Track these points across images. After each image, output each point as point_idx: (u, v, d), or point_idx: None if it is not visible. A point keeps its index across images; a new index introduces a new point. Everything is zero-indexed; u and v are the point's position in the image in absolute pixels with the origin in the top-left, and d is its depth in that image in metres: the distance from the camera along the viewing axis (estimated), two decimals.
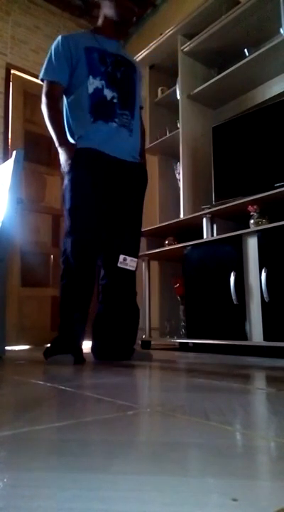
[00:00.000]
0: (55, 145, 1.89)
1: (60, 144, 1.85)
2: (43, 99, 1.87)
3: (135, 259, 1.92)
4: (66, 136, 1.87)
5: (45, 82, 1.89)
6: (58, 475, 0.45)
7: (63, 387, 1.09)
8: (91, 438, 0.62)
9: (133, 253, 1.93)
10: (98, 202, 1.83)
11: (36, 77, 3.54)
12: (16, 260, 3.22)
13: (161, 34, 3.09)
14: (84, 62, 1.84)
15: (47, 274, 3.51)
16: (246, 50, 2.67)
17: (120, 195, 1.90)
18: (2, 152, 3.27)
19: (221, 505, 0.37)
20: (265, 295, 2.08)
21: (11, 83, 3.42)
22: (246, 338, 2.17)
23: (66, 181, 1.88)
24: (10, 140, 3.35)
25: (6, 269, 2.08)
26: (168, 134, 3.10)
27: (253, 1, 2.49)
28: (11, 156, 2.20)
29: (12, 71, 3.43)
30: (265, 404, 0.93)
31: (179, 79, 2.97)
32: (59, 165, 1.95)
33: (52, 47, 1.88)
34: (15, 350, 2.80)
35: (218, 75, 2.83)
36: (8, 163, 2.18)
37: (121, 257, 1.88)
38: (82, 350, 1.85)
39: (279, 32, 2.45)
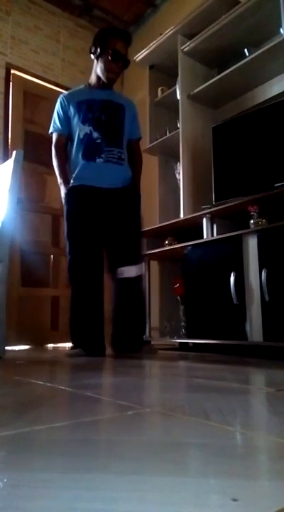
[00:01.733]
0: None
1: (60, 184, 2.30)
2: (52, 149, 2.33)
3: (133, 267, 2.20)
4: (65, 176, 2.29)
5: (53, 134, 2.33)
6: (58, 475, 0.45)
7: (63, 387, 1.09)
8: (92, 438, 0.61)
9: (133, 261, 2.22)
10: (86, 226, 2.20)
11: (36, 77, 3.56)
12: (16, 260, 3.22)
13: (161, 34, 3.09)
14: (76, 114, 2.26)
15: (47, 273, 3.51)
16: (246, 50, 2.67)
17: (109, 216, 2.23)
18: (2, 152, 3.27)
19: (221, 506, 0.37)
20: (265, 295, 2.08)
21: (10, 83, 3.42)
22: (245, 338, 2.17)
23: (63, 212, 2.29)
24: (10, 140, 3.35)
25: (6, 269, 2.08)
26: (168, 134, 3.09)
27: (253, 1, 2.49)
28: (10, 156, 2.20)
29: (12, 71, 3.43)
30: (265, 405, 0.93)
31: (179, 79, 2.97)
32: None
33: (56, 105, 2.33)
34: (15, 350, 2.80)
35: (218, 74, 2.83)
36: (8, 163, 2.19)
37: (118, 270, 2.21)
38: (95, 344, 2.18)
39: (279, 32, 2.45)
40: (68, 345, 3.42)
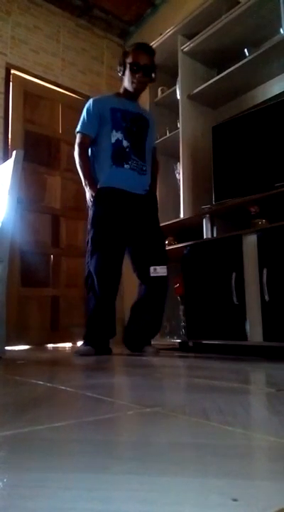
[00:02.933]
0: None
1: (86, 185, 2.33)
2: (76, 147, 2.38)
3: (164, 266, 2.31)
4: (91, 177, 2.33)
5: (79, 134, 2.40)
6: (58, 475, 0.45)
7: (63, 387, 1.09)
8: (92, 438, 0.61)
9: (162, 262, 2.32)
10: (114, 230, 2.27)
11: (36, 77, 3.56)
12: (16, 260, 3.22)
13: (161, 34, 3.09)
14: (109, 119, 2.35)
15: (47, 274, 3.51)
16: (246, 50, 2.67)
17: (136, 219, 2.32)
18: (2, 152, 3.27)
19: (221, 505, 0.37)
20: (265, 295, 2.08)
21: (10, 83, 3.41)
22: (245, 338, 2.17)
23: (90, 214, 2.34)
24: (10, 140, 3.35)
25: (6, 269, 2.08)
26: (168, 134, 3.09)
27: (253, 1, 2.48)
28: (10, 156, 2.20)
29: (12, 71, 3.42)
30: (265, 404, 0.93)
31: (179, 79, 2.97)
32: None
33: (85, 107, 2.41)
34: (15, 350, 2.81)
35: (218, 74, 2.82)
36: (8, 164, 2.19)
37: (151, 268, 2.29)
38: (104, 344, 2.30)
39: (279, 32, 2.44)
40: (68, 345, 3.43)
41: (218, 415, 0.74)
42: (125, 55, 2.41)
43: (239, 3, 2.59)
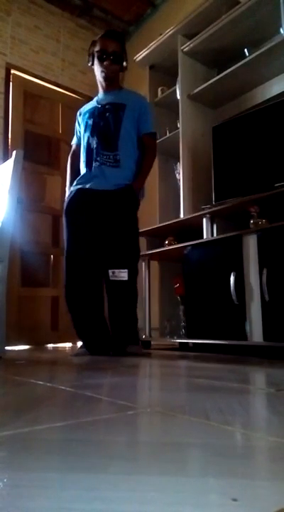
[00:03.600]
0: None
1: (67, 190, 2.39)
2: None
3: (124, 270, 2.18)
4: (69, 183, 2.39)
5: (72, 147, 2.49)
6: (58, 475, 0.45)
7: (63, 387, 1.09)
8: (92, 438, 0.61)
9: (122, 265, 2.19)
10: (75, 229, 2.25)
11: (36, 77, 3.56)
12: (16, 260, 3.22)
13: (161, 34, 3.09)
14: (82, 124, 2.38)
15: (47, 274, 3.51)
16: (246, 50, 2.67)
17: (101, 217, 2.22)
18: (2, 152, 3.27)
19: (221, 505, 0.37)
20: (265, 295, 2.08)
21: (10, 83, 3.41)
22: (245, 338, 2.17)
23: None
24: (10, 140, 3.35)
25: (6, 269, 2.08)
26: (168, 134, 3.09)
27: (253, 1, 2.49)
28: (10, 156, 2.20)
29: (12, 71, 3.42)
30: (265, 404, 0.93)
31: (179, 79, 2.97)
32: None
33: None
34: (15, 350, 2.80)
35: (218, 74, 2.82)
36: (8, 164, 2.19)
37: (110, 271, 2.19)
38: (97, 343, 2.24)
39: (279, 32, 2.45)
40: (68, 345, 3.43)
41: (218, 415, 0.74)
42: (93, 44, 2.33)
43: (239, 3, 2.59)
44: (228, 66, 2.69)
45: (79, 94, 3.76)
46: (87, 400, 0.92)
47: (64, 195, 2.40)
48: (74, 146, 2.49)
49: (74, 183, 2.32)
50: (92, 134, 2.28)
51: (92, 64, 2.34)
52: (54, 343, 3.42)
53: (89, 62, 2.36)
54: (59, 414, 0.80)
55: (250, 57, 2.55)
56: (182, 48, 2.94)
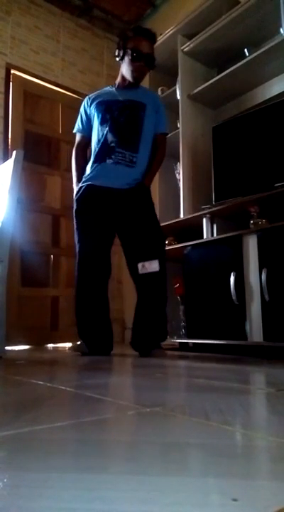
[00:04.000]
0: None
1: (73, 184, 2.33)
2: (73, 149, 2.39)
3: (155, 261, 2.13)
4: (77, 177, 2.31)
5: (75, 135, 2.40)
6: (59, 475, 0.45)
7: (63, 387, 1.09)
8: (92, 438, 0.61)
9: (151, 256, 2.14)
10: (90, 227, 2.21)
11: (36, 77, 3.56)
12: (16, 260, 3.22)
13: (161, 34, 3.09)
14: (96, 115, 2.28)
15: (47, 274, 3.51)
16: (246, 50, 2.67)
17: (119, 214, 2.21)
18: (2, 152, 3.27)
19: (221, 505, 0.37)
20: (265, 295, 2.08)
21: (11, 83, 3.41)
22: (245, 338, 2.17)
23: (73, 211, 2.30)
24: (10, 140, 3.34)
25: (6, 269, 2.08)
26: (168, 134, 3.09)
27: (253, 1, 2.48)
28: (10, 156, 2.20)
29: (12, 71, 3.42)
30: (265, 405, 0.93)
31: (179, 79, 2.97)
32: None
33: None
34: (15, 350, 2.80)
35: (218, 74, 2.82)
36: (8, 164, 2.18)
37: (139, 265, 2.14)
38: (99, 343, 2.21)
39: (279, 32, 2.44)
40: (68, 345, 3.43)
41: (218, 415, 0.74)
42: (125, 39, 2.23)
43: (239, 3, 2.59)
44: (229, 66, 2.69)
45: (79, 94, 3.75)
46: (87, 400, 0.92)
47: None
48: (79, 137, 2.38)
49: (83, 178, 2.26)
50: (111, 130, 2.20)
51: (121, 59, 2.25)
52: (54, 343, 3.42)
53: (118, 56, 2.26)
54: (59, 414, 0.80)
55: (251, 57, 2.55)
56: (182, 47, 2.94)
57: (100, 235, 2.21)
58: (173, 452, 0.54)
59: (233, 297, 2.22)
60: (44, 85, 3.61)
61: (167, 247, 2.80)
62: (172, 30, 2.99)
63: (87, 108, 2.33)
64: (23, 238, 3.23)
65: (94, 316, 2.21)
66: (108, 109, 2.24)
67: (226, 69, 2.69)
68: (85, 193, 2.22)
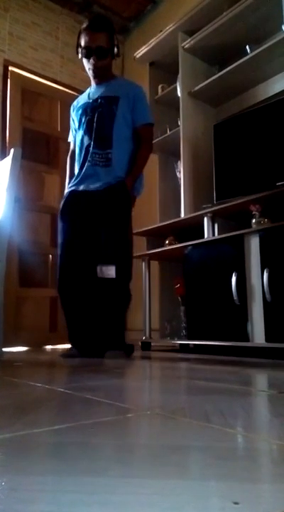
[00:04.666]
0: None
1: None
2: None
3: (111, 267, 2.09)
4: (67, 184, 2.33)
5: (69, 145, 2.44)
6: (57, 479, 0.45)
7: (62, 390, 1.09)
8: (91, 441, 0.61)
9: (109, 261, 2.11)
10: (66, 232, 2.23)
11: (35, 74, 3.54)
12: (14, 260, 3.20)
13: (161, 31, 3.07)
14: (76, 120, 2.29)
15: (45, 274, 3.49)
16: (247, 47, 2.65)
17: (91, 217, 2.18)
18: (0, 150, 3.25)
19: (222, 509, 0.37)
20: (267, 295, 2.06)
21: (8, 80, 3.39)
22: (247, 339, 2.15)
23: None
24: (8, 138, 3.33)
25: (4, 269, 2.06)
26: (169, 132, 3.07)
27: None
28: (8, 154, 2.18)
29: (10, 68, 3.40)
30: (267, 407, 0.93)
31: (179, 76, 2.95)
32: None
33: None
34: (13, 352, 2.79)
35: (219, 72, 2.80)
36: (6, 162, 2.16)
37: (98, 268, 2.11)
38: (87, 345, 2.17)
39: (281, 29, 2.43)
40: (67, 346, 3.41)
41: (219, 418, 0.73)
42: (79, 35, 2.18)
43: None
44: (230, 63, 2.68)
45: (78, 91, 3.72)
46: (86, 403, 0.92)
47: (63, 194, 2.37)
48: (71, 145, 2.42)
49: (69, 184, 2.29)
50: (85, 132, 2.21)
51: (81, 57, 2.23)
52: (52, 344, 3.40)
53: (78, 54, 2.23)
54: (57, 417, 0.79)
55: (252, 54, 2.54)
56: (182, 44, 2.93)
57: (79, 239, 2.20)
58: (174, 455, 0.54)
59: (235, 298, 2.21)
60: (42, 82, 3.60)
61: (168, 247, 2.78)
62: (173, 27, 2.98)
63: (73, 116, 2.37)
64: (21, 238, 3.22)
65: (77, 319, 2.20)
66: (83, 113, 2.24)
67: (228, 66, 2.68)
68: (66, 199, 2.27)
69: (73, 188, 2.24)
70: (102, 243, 2.15)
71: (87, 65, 2.20)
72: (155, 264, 3.13)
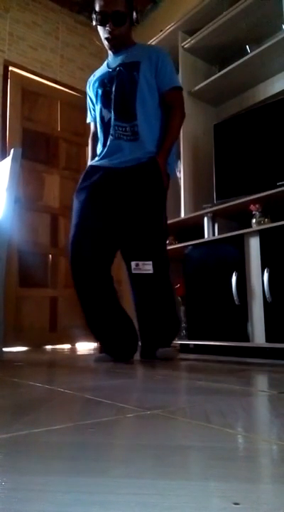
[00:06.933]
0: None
1: None
2: None
3: (148, 262, 1.88)
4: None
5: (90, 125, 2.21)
6: (57, 478, 0.45)
7: (62, 390, 1.09)
8: (91, 441, 0.61)
9: (145, 256, 1.89)
10: (84, 215, 1.93)
11: (35, 74, 3.53)
12: (14, 260, 3.20)
13: (161, 30, 3.07)
14: (93, 96, 2.09)
15: (45, 274, 3.49)
16: (247, 46, 2.66)
17: (118, 200, 1.93)
18: (0, 150, 3.25)
19: (222, 509, 0.37)
20: (268, 295, 2.06)
21: (8, 80, 3.39)
22: (247, 340, 2.15)
23: None
24: (8, 138, 3.33)
25: (4, 269, 2.06)
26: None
27: None
28: (8, 155, 2.18)
29: (10, 68, 3.40)
30: (267, 407, 0.92)
31: (179, 76, 2.94)
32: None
33: None
34: (13, 352, 2.79)
35: (219, 71, 2.80)
36: (6, 162, 2.16)
37: (132, 263, 1.90)
38: (118, 346, 1.95)
39: (281, 28, 2.44)
40: (67, 346, 3.41)
41: (219, 418, 0.74)
42: (94, 1, 1.95)
43: None
44: (230, 63, 2.68)
45: (78, 91, 3.74)
46: (86, 403, 0.92)
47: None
48: (92, 126, 2.17)
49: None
50: (104, 105, 1.97)
51: (95, 26, 1.99)
52: (52, 344, 3.40)
53: (92, 21, 1.98)
54: (58, 417, 0.80)
55: (252, 54, 2.54)
56: (182, 44, 2.93)
57: (95, 221, 1.92)
58: (174, 455, 0.54)
59: (235, 298, 2.20)
60: (42, 82, 3.60)
61: (168, 247, 2.77)
62: (173, 27, 2.98)
63: (89, 92, 2.14)
64: (21, 238, 3.22)
65: (98, 315, 1.94)
66: (101, 85, 2.01)
67: (228, 66, 2.69)
68: (85, 175, 2.00)
69: (93, 164, 2.00)
70: (135, 234, 1.91)
71: (103, 33, 1.97)
72: None
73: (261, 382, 1.39)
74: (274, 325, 2.06)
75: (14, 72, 3.43)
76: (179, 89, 2.05)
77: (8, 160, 2.13)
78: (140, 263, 1.88)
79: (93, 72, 2.20)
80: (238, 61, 2.60)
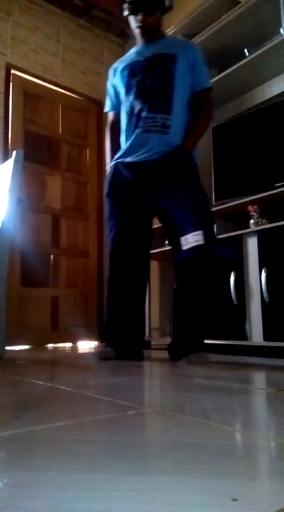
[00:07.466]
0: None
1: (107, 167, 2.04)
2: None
3: (199, 232, 1.74)
4: (111, 157, 2.02)
5: (107, 114, 2.13)
6: (58, 475, 0.45)
7: (63, 387, 1.08)
8: (91, 438, 0.61)
9: (195, 226, 1.76)
10: (120, 213, 1.92)
11: (36, 77, 3.55)
12: (16, 260, 3.22)
13: None
14: (121, 84, 1.98)
15: (47, 274, 3.51)
16: (246, 50, 2.67)
17: (152, 191, 1.87)
18: (2, 152, 3.27)
19: (221, 506, 0.37)
20: (265, 295, 2.08)
21: (11, 83, 3.41)
22: (245, 338, 2.17)
23: None
24: (10, 140, 3.34)
25: (6, 269, 2.08)
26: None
27: (253, 1, 2.48)
28: (10, 156, 2.20)
29: (12, 71, 3.42)
30: (265, 405, 0.93)
31: None
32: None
33: None
34: (15, 350, 2.80)
35: (218, 74, 2.81)
36: (8, 164, 2.18)
37: (182, 239, 1.78)
38: (128, 346, 1.92)
39: (279, 32, 2.44)
40: (68, 345, 3.43)
41: (218, 415, 0.74)
42: None
43: (239, 3, 2.60)
44: (228, 66, 2.69)
45: (79, 94, 3.76)
46: (87, 400, 0.92)
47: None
48: (111, 116, 2.09)
49: (114, 157, 1.99)
50: (137, 96, 1.89)
51: (126, 15, 1.94)
52: (54, 343, 3.42)
53: (122, 12, 1.94)
54: (59, 414, 0.80)
55: (251, 57, 2.55)
56: None
57: (133, 220, 1.91)
58: (173, 452, 0.54)
59: (233, 297, 2.22)
60: (44, 85, 3.60)
61: (168, 247, 2.79)
62: (172, 31, 2.98)
63: (113, 79, 2.05)
64: (23, 238, 3.23)
65: (125, 313, 1.91)
66: (132, 73, 1.93)
67: (226, 69, 2.69)
68: (112, 173, 1.95)
69: (119, 160, 1.94)
70: (177, 212, 1.82)
71: (134, 23, 1.92)
72: (154, 264, 3.14)
73: (259, 380, 1.38)
74: (272, 324, 2.08)
75: (16, 75, 3.45)
76: (211, 89, 2.02)
77: (11, 162, 2.14)
78: (189, 236, 1.76)
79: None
80: (237, 64, 2.61)
